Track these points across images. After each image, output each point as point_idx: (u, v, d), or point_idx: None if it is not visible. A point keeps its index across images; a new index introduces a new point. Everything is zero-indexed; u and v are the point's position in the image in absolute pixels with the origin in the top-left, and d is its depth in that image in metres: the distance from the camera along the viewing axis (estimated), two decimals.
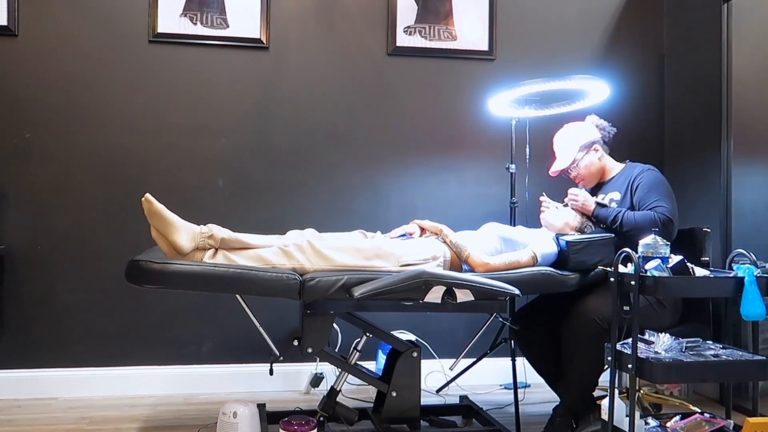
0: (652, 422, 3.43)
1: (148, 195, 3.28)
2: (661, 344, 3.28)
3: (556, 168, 4.28)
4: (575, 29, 5.36)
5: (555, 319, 3.97)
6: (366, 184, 5.09)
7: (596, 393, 3.89)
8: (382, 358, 4.79)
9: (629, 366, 3.17)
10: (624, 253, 3.25)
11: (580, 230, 4.07)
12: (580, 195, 4.14)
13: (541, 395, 4.71)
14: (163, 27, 4.84)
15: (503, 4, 5.25)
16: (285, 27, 5.00)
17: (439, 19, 5.15)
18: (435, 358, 4.98)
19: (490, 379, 5.05)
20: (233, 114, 4.94)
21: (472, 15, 5.20)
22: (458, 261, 3.74)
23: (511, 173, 4.60)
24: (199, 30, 4.88)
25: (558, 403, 3.99)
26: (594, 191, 4.31)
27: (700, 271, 3.39)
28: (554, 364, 4.05)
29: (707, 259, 3.97)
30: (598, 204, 4.09)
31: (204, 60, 4.92)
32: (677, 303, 3.92)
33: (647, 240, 3.35)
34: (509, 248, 3.85)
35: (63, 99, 4.75)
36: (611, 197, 4.15)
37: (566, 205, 4.18)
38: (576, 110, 4.57)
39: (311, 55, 5.04)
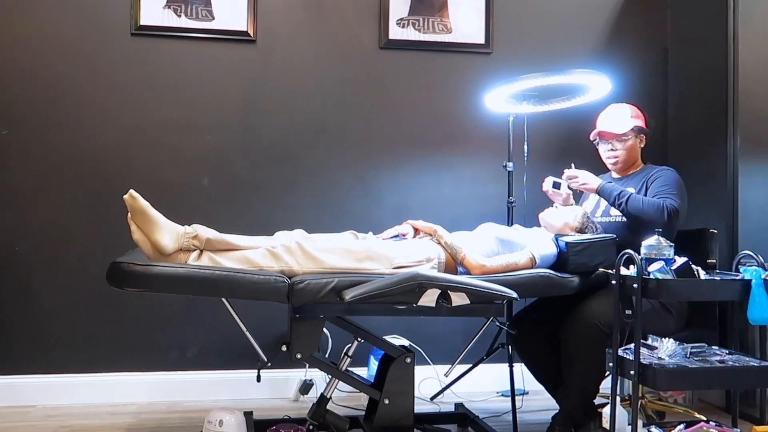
0: (655, 431, 3.42)
1: (132, 191, 3.26)
2: (665, 350, 3.28)
3: (603, 128, 4.32)
4: (575, 21, 5.35)
5: (554, 323, 3.96)
6: (357, 182, 5.07)
7: (597, 400, 3.88)
8: (374, 364, 4.78)
9: (632, 372, 3.17)
10: (626, 255, 3.24)
11: (581, 231, 4.06)
12: (579, 174, 4.19)
13: (539, 403, 4.70)
14: (146, 19, 4.82)
15: None
16: (273, 19, 4.99)
17: (434, 11, 5.13)
18: (429, 364, 4.97)
19: (487, 386, 5.04)
20: (219, 110, 4.92)
21: (468, 7, 5.18)
22: (453, 263, 3.73)
23: (509, 171, 4.59)
24: (184, 22, 4.86)
25: (557, 410, 3.98)
26: (617, 182, 4.33)
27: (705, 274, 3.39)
28: (553, 371, 4.05)
29: (713, 261, 3.96)
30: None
31: (189, 54, 4.90)
32: (682, 307, 3.92)
33: (650, 241, 3.35)
34: (506, 249, 3.84)
35: (42, 94, 4.72)
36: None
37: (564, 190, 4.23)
38: (577, 106, 4.57)
39: (300, 49, 5.02)
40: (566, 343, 3.83)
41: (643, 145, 4.35)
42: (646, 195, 4.07)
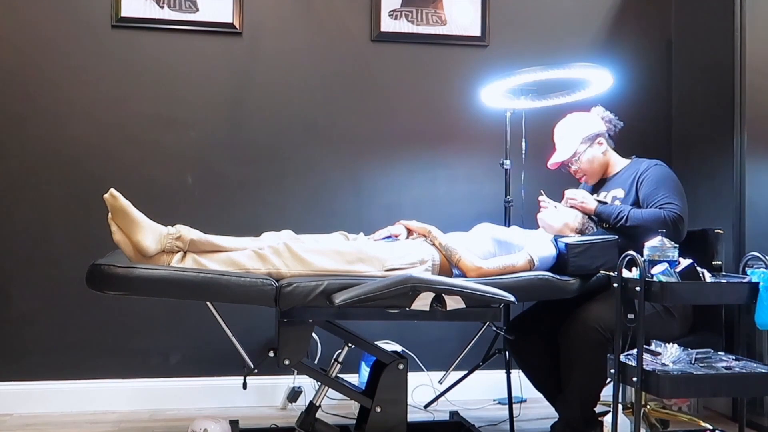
0: None
1: (112, 190, 3.25)
2: (669, 355, 3.27)
3: (555, 160, 4.29)
4: (575, 13, 5.35)
5: (554, 328, 3.96)
6: (348, 181, 5.06)
7: (598, 408, 3.88)
8: (365, 370, 4.77)
9: (634, 379, 3.16)
10: (628, 257, 3.23)
11: (581, 231, 4.05)
12: (578, 194, 4.16)
13: (537, 411, 4.70)
14: (127, 11, 4.80)
15: None
16: (260, 11, 4.97)
17: (428, 2, 5.12)
18: (423, 370, 4.96)
19: (483, 393, 5.03)
20: (203, 105, 4.91)
21: None
22: (448, 265, 3.72)
23: (506, 169, 4.59)
24: (167, 14, 4.84)
25: (556, 419, 3.97)
26: (596, 188, 4.32)
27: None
28: (553, 377, 4.05)
29: (719, 263, 3.96)
30: (600, 202, 4.10)
31: (172, 47, 4.88)
32: (686, 311, 3.91)
33: (654, 242, 3.34)
34: (504, 251, 3.83)
35: (18, 89, 4.71)
36: (614, 194, 4.15)
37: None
38: (576, 101, 4.56)
39: (288, 42, 5.01)
40: (565, 348, 3.83)
41: (606, 148, 4.28)
42: (637, 196, 4.06)
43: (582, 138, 4.22)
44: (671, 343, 3.36)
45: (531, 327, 4.19)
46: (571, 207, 4.16)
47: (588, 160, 4.24)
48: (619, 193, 4.14)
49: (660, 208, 3.91)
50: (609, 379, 3.40)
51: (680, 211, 3.90)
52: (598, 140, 4.26)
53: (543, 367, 4.15)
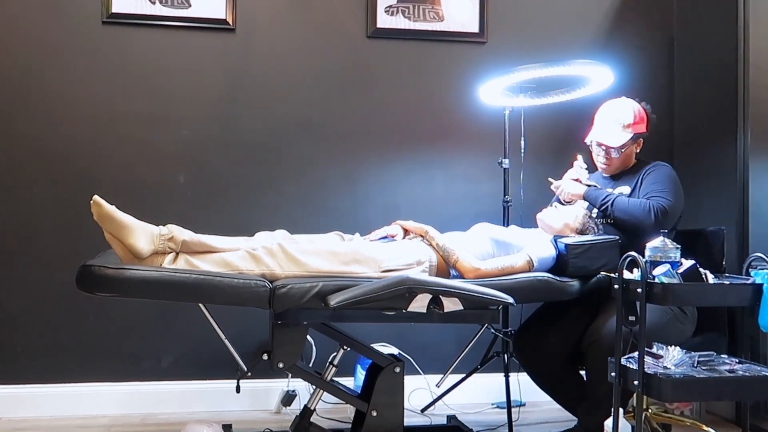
0: None
1: (96, 197, 3.25)
2: (671, 358, 3.26)
3: (602, 141, 4.25)
4: (576, 9, 5.34)
5: (564, 331, 3.95)
6: (343, 180, 5.05)
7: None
8: (361, 373, 4.76)
9: (635, 382, 3.15)
10: (629, 258, 3.22)
11: (581, 232, 4.04)
12: (564, 185, 4.26)
13: (537, 415, 4.69)
14: (118, 6, 4.78)
15: None
16: (253, 7, 4.96)
17: None
18: (420, 373, 4.94)
19: (481, 397, 5.01)
20: (196, 103, 4.90)
21: None
22: (446, 266, 3.72)
23: (504, 168, 4.59)
24: (158, 10, 4.83)
25: (573, 426, 3.93)
26: (609, 182, 4.31)
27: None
28: (566, 384, 4.03)
29: (722, 263, 3.95)
30: (589, 186, 4.13)
31: (164, 43, 4.87)
32: (694, 311, 3.90)
33: (655, 243, 3.33)
34: (502, 252, 3.83)
35: (6, 87, 4.69)
36: (621, 191, 4.16)
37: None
38: (576, 99, 4.56)
39: (282, 38, 5.00)
40: (593, 359, 3.74)
41: (639, 149, 4.33)
42: (639, 194, 4.08)
43: (634, 134, 4.22)
44: (673, 346, 3.35)
45: (540, 331, 4.14)
46: (562, 199, 4.19)
47: (626, 155, 4.27)
48: (626, 189, 4.17)
49: (649, 200, 3.94)
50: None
51: (667, 205, 3.93)
52: (638, 141, 4.29)
53: (557, 371, 4.09)
